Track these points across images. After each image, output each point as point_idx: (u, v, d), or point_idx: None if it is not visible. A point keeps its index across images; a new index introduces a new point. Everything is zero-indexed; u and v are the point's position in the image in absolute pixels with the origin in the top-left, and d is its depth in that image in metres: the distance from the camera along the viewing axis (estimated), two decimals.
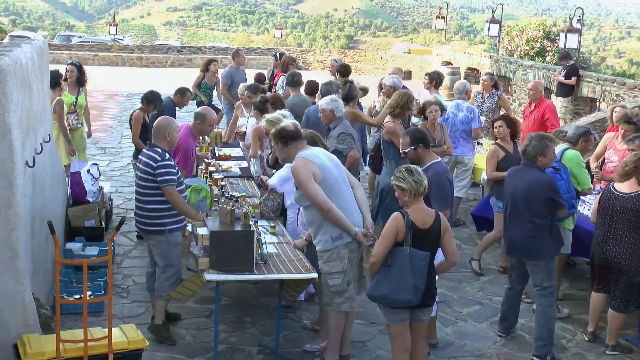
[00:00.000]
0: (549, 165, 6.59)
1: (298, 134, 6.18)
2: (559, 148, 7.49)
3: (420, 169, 5.45)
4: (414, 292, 5.19)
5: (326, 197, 5.79)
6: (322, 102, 8.44)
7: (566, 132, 7.96)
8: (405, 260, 5.21)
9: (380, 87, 11.22)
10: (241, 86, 10.73)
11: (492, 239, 8.60)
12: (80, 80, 10.44)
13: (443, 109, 9.28)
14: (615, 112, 9.23)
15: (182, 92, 10.11)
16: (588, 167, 8.81)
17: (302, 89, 10.60)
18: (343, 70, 11.87)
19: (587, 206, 7.89)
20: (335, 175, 5.98)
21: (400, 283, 5.20)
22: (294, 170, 5.94)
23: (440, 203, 6.12)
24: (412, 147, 6.33)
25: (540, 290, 6.46)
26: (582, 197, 7.89)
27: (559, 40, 21.07)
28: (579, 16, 20.26)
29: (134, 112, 9.44)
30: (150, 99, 9.36)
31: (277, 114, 8.03)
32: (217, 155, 9.57)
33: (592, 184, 8.66)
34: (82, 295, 6.21)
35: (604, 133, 9.66)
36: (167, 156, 6.33)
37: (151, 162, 6.25)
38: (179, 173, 6.49)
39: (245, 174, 8.94)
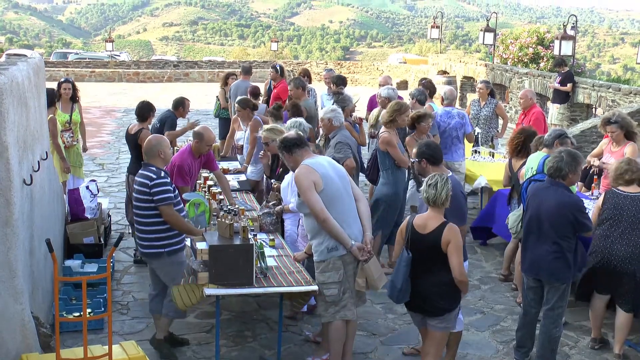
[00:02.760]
0: (575, 183, 6.46)
1: (301, 141, 6.19)
2: (539, 157, 7.42)
3: (441, 183, 5.47)
4: (391, 289, 5.58)
5: (323, 207, 5.78)
6: (322, 112, 8.58)
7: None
8: (399, 258, 5.60)
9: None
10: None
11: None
12: (73, 98, 10.40)
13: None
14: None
15: (181, 103, 10.05)
16: (585, 173, 8.81)
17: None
18: (338, 81, 11.88)
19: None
20: (337, 185, 5.96)
21: (390, 279, 5.66)
22: (296, 177, 5.94)
23: (454, 218, 5.76)
24: (416, 160, 6.32)
25: (549, 310, 6.29)
26: None
27: (553, 46, 21.14)
28: (573, 23, 20.32)
29: (140, 131, 8.74)
30: (142, 112, 8.89)
31: (293, 121, 8.12)
32: None
33: (590, 188, 8.66)
34: (82, 313, 6.19)
35: (601, 139, 9.65)
36: (163, 174, 6.22)
37: (147, 182, 6.14)
38: (177, 191, 6.39)
39: (244, 187, 8.94)
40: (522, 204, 6.80)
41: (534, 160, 7.37)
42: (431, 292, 5.47)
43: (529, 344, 6.57)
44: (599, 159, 8.63)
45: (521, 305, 6.85)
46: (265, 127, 8.24)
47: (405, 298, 5.53)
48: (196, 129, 7.93)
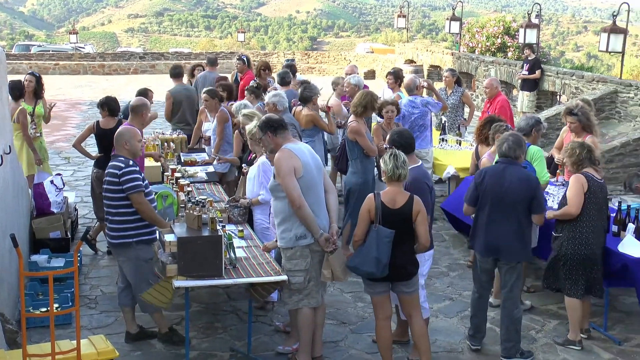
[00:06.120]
0: (522, 160, 6.58)
1: (284, 124, 6.18)
2: None
3: (406, 160, 5.85)
4: (376, 265, 5.68)
5: (301, 194, 5.80)
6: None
7: (507, 126, 8.03)
8: (373, 236, 5.72)
9: (335, 85, 11.16)
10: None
11: None
12: (37, 92, 10.23)
13: (399, 110, 9.32)
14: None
15: (144, 93, 9.98)
16: (550, 160, 8.93)
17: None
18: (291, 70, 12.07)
19: (552, 198, 7.97)
20: (313, 175, 5.99)
21: (366, 256, 5.73)
22: (277, 159, 5.92)
23: None
24: (387, 147, 6.36)
25: (509, 292, 6.41)
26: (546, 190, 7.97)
27: (519, 35, 21.33)
28: (537, 12, 20.53)
29: (119, 123, 8.49)
30: (114, 105, 8.88)
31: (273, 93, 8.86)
32: (182, 160, 9.51)
33: (556, 175, 8.77)
34: (49, 308, 6.12)
35: (564, 125, 9.77)
36: (131, 163, 6.28)
37: (115, 171, 6.20)
38: (146, 181, 6.42)
39: (212, 178, 8.91)
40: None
41: None
42: (405, 260, 5.81)
43: (484, 329, 6.72)
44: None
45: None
46: (243, 111, 8.27)
47: (387, 271, 5.72)
48: (132, 102, 8.06)
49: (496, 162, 6.64)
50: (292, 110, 9.77)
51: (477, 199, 6.47)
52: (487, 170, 6.59)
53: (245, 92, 10.46)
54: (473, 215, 6.64)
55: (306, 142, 8.40)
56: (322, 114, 9.77)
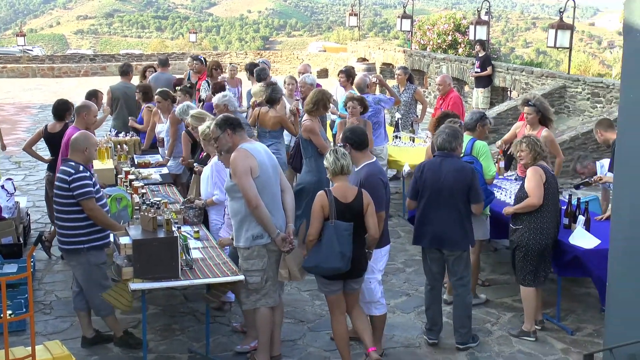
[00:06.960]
0: (460, 153, 6.72)
1: (242, 124, 6.20)
2: (466, 140, 7.60)
3: (347, 153, 5.92)
4: (342, 260, 5.69)
5: (257, 194, 5.80)
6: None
7: (460, 122, 8.12)
8: (331, 231, 5.71)
9: (283, 83, 11.23)
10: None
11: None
12: None
13: (366, 107, 9.25)
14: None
15: (94, 94, 9.89)
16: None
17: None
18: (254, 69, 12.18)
19: (504, 192, 8.11)
20: (269, 175, 6.00)
21: (329, 252, 5.70)
22: (233, 159, 5.91)
23: (374, 205, 6.07)
24: (341, 144, 6.41)
25: (459, 280, 6.59)
26: (497, 184, 8.11)
27: (469, 32, 21.63)
28: (487, 8, 20.83)
29: (65, 127, 8.55)
30: (59, 111, 8.76)
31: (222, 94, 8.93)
32: (136, 163, 9.43)
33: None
34: (2, 315, 6.01)
35: (516, 121, 9.95)
36: (82, 168, 6.19)
37: (65, 177, 6.12)
38: (98, 185, 6.35)
39: (166, 180, 8.85)
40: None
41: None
42: (359, 254, 5.84)
43: (440, 322, 6.78)
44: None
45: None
46: (191, 112, 8.27)
47: (350, 265, 5.73)
48: (78, 104, 8.18)
49: (434, 156, 6.74)
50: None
51: (418, 193, 6.59)
52: (425, 163, 6.73)
53: (179, 92, 10.46)
54: None
55: (271, 143, 8.45)
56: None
